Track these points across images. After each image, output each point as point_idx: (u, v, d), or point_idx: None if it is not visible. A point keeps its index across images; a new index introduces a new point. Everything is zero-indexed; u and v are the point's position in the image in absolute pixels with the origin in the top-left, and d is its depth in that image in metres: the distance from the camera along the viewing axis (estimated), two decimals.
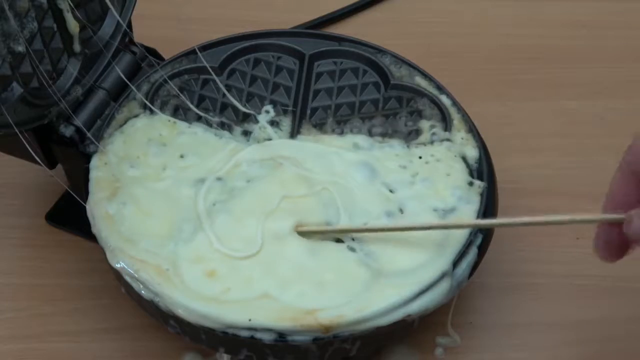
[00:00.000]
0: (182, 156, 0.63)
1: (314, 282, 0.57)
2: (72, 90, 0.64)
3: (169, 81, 0.66)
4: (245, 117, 0.67)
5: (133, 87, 0.65)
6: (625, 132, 0.78)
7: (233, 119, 0.67)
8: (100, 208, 0.60)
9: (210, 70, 0.67)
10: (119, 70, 0.65)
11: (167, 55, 0.70)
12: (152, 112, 0.66)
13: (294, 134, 0.66)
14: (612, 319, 0.67)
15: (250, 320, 0.55)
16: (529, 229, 0.71)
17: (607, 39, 0.85)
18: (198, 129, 0.65)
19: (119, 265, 0.58)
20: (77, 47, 0.64)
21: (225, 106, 0.67)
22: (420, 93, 0.67)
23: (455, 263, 0.58)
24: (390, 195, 0.62)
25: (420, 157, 0.63)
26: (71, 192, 0.63)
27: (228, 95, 0.67)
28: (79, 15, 0.62)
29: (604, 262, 0.70)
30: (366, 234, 0.59)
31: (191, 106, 0.65)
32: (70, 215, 0.70)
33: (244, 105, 0.67)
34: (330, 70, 0.69)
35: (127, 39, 0.67)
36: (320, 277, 0.57)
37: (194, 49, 0.68)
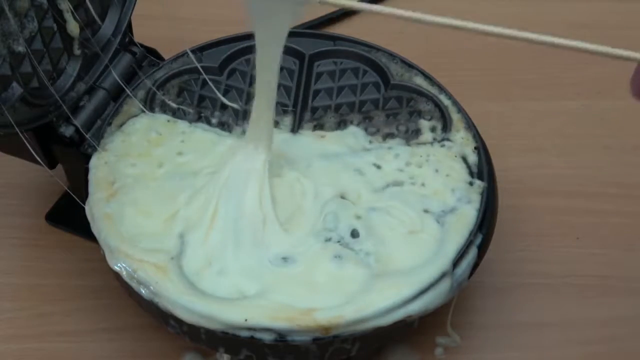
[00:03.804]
0: (181, 155, 0.64)
1: (311, 281, 0.57)
2: (72, 90, 0.64)
3: (156, 91, 0.66)
4: (246, 117, 0.67)
5: (129, 92, 0.65)
6: (625, 132, 0.79)
7: (233, 119, 0.67)
8: (99, 208, 0.60)
9: (201, 70, 0.67)
10: (115, 75, 0.65)
11: (167, 55, 0.70)
12: (151, 111, 0.66)
13: (294, 134, 0.66)
14: (613, 319, 0.67)
15: (246, 320, 0.55)
16: (529, 229, 0.71)
17: (607, 39, 0.85)
18: (198, 129, 0.65)
19: (118, 266, 0.58)
20: (77, 47, 0.64)
21: (225, 105, 0.67)
22: (420, 93, 0.67)
23: (455, 263, 0.58)
24: (390, 195, 0.61)
25: (420, 157, 0.63)
26: (70, 192, 0.63)
27: (220, 95, 0.66)
28: (77, 17, 0.62)
29: (603, 262, 0.70)
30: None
31: (169, 103, 0.65)
32: (70, 215, 0.70)
33: (242, 106, 0.67)
34: (330, 70, 0.69)
35: (127, 39, 0.67)
36: (318, 277, 0.57)
37: (193, 50, 0.68)
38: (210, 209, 0.60)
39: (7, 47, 0.57)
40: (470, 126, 0.65)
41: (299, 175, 0.62)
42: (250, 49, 0.69)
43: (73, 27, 0.63)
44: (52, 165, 0.65)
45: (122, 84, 0.65)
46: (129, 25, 0.68)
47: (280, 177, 0.62)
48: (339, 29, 0.85)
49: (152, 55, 0.69)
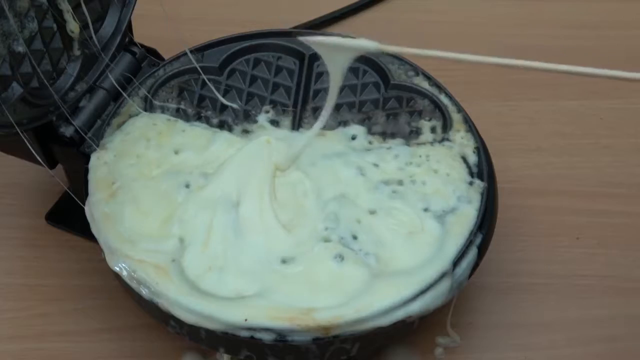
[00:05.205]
0: (180, 155, 0.64)
1: (311, 281, 0.57)
2: (72, 90, 0.64)
3: (152, 98, 0.66)
4: (246, 117, 0.67)
5: (126, 96, 0.65)
6: (625, 132, 0.79)
7: (233, 119, 0.67)
8: (99, 208, 0.60)
9: (200, 70, 0.67)
10: (112, 78, 0.65)
11: (167, 55, 0.70)
12: (152, 111, 0.66)
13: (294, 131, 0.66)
14: (612, 319, 0.67)
15: (246, 320, 0.55)
16: (529, 229, 0.71)
17: (607, 39, 0.85)
18: (198, 128, 0.65)
19: (118, 266, 0.58)
20: (77, 47, 0.64)
21: (225, 105, 0.67)
22: (420, 93, 0.67)
23: (455, 263, 0.58)
24: (390, 195, 0.61)
25: (420, 157, 0.63)
26: (70, 192, 0.63)
27: (219, 96, 0.67)
28: (75, 19, 0.62)
29: (603, 262, 0.70)
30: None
31: (169, 104, 0.65)
32: (70, 215, 0.70)
33: (241, 106, 0.67)
34: None
35: (127, 39, 0.67)
36: (318, 277, 0.57)
37: (193, 50, 0.68)
38: (210, 209, 0.60)
39: (7, 47, 0.57)
40: (470, 126, 0.65)
41: (302, 175, 0.62)
42: (250, 49, 0.69)
43: (73, 27, 0.63)
44: (52, 165, 0.65)
45: (118, 87, 0.65)
46: (129, 25, 0.68)
47: (284, 177, 0.62)
48: (338, 29, 0.85)
49: (152, 55, 0.69)
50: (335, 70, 0.55)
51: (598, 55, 0.84)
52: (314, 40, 0.54)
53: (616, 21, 0.88)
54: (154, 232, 0.59)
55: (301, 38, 0.54)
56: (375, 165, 0.63)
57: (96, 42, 0.65)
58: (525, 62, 0.49)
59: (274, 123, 0.66)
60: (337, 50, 0.54)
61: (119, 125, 0.65)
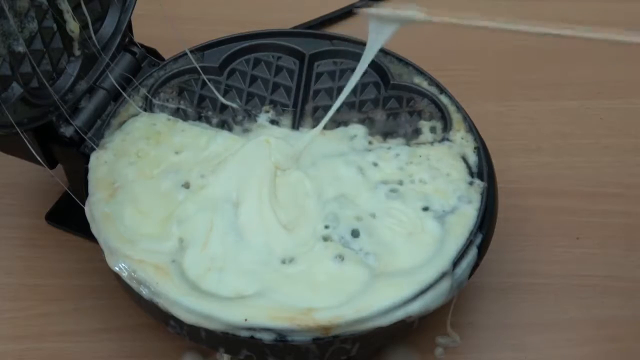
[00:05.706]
0: (180, 154, 0.64)
1: (311, 281, 0.57)
2: (72, 90, 0.64)
3: (152, 97, 0.66)
4: (246, 117, 0.67)
5: (126, 96, 0.65)
6: (625, 132, 0.79)
7: (233, 118, 0.67)
8: (99, 208, 0.60)
9: (200, 70, 0.67)
10: (112, 79, 0.65)
11: (167, 55, 0.70)
12: (151, 111, 0.66)
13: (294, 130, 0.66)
14: (612, 319, 0.67)
15: (246, 320, 0.55)
16: (529, 229, 0.71)
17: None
18: (197, 128, 0.65)
19: (118, 266, 0.58)
20: (77, 47, 0.64)
21: (225, 105, 0.67)
22: (420, 93, 0.67)
23: (455, 263, 0.58)
24: (390, 195, 0.61)
25: (420, 157, 0.63)
26: (70, 192, 0.63)
27: (219, 96, 0.67)
28: (76, 18, 0.62)
29: (603, 262, 0.70)
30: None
31: (168, 104, 0.65)
32: (70, 215, 0.70)
33: (241, 106, 0.67)
34: (330, 70, 0.69)
35: (127, 39, 0.67)
36: (318, 276, 0.57)
37: (193, 50, 0.68)
38: (210, 209, 0.60)
39: (7, 47, 0.57)
40: (470, 126, 0.65)
41: (302, 175, 0.62)
42: (250, 49, 0.69)
43: (73, 27, 0.63)
44: (52, 165, 0.65)
45: (118, 87, 0.65)
46: (129, 25, 0.68)
47: (284, 177, 0.62)
48: (338, 29, 0.85)
49: (152, 55, 0.69)
50: (376, 43, 0.60)
51: (597, 55, 0.84)
52: (370, 13, 0.59)
53: (615, 21, 0.87)
54: (154, 232, 0.59)
55: (356, 10, 0.61)
56: (375, 165, 0.63)
57: (96, 42, 0.65)
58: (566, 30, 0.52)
59: (274, 123, 0.66)
60: (389, 20, 0.58)
61: (119, 125, 0.65)
